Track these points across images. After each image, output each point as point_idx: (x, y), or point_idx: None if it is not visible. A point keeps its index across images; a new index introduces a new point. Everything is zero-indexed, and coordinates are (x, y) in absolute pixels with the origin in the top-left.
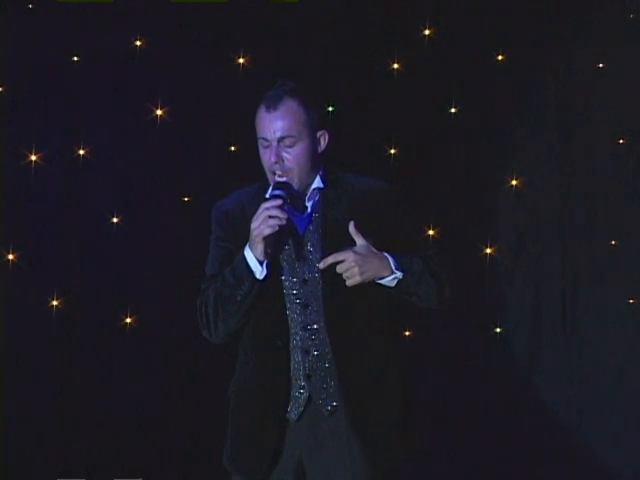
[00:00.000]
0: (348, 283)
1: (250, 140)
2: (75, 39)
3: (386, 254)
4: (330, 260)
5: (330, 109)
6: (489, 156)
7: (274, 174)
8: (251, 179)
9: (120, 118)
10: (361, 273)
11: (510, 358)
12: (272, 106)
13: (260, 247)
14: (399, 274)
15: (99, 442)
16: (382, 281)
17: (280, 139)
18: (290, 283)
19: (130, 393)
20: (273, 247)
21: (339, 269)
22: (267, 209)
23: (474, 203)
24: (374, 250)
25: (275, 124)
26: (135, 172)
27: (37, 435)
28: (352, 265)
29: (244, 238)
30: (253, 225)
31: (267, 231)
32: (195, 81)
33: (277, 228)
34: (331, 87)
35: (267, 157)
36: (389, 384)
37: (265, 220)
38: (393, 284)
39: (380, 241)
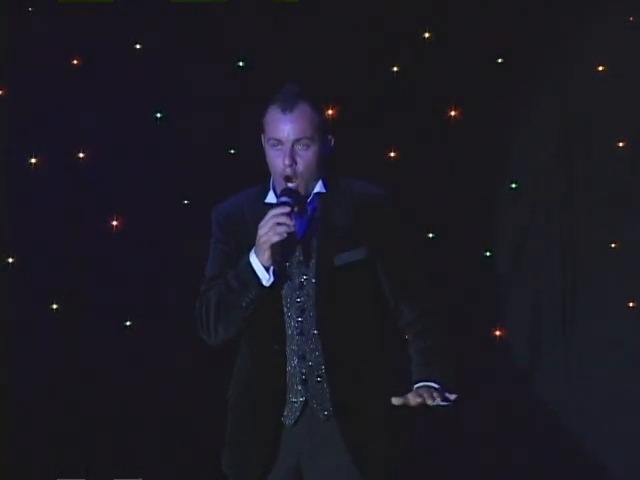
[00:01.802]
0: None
1: (250, 142)
2: (75, 39)
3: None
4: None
5: (330, 112)
6: (489, 158)
7: (285, 179)
8: (251, 181)
9: (120, 119)
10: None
11: (510, 358)
12: (288, 108)
13: (267, 254)
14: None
15: (99, 442)
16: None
17: (295, 141)
18: (287, 287)
19: (130, 394)
20: (280, 254)
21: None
22: (275, 216)
23: (474, 205)
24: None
25: (291, 126)
26: (135, 174)
27: (37, 435)
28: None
29: (244, 240)
30: (261, 232)
31: (275, 238)
32: (195, 82)
33: (285, 235)
34: (331, 89)
35: (279, 159)
36: (383, 389)
37: (273, 227)
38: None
39: (375, 249)
